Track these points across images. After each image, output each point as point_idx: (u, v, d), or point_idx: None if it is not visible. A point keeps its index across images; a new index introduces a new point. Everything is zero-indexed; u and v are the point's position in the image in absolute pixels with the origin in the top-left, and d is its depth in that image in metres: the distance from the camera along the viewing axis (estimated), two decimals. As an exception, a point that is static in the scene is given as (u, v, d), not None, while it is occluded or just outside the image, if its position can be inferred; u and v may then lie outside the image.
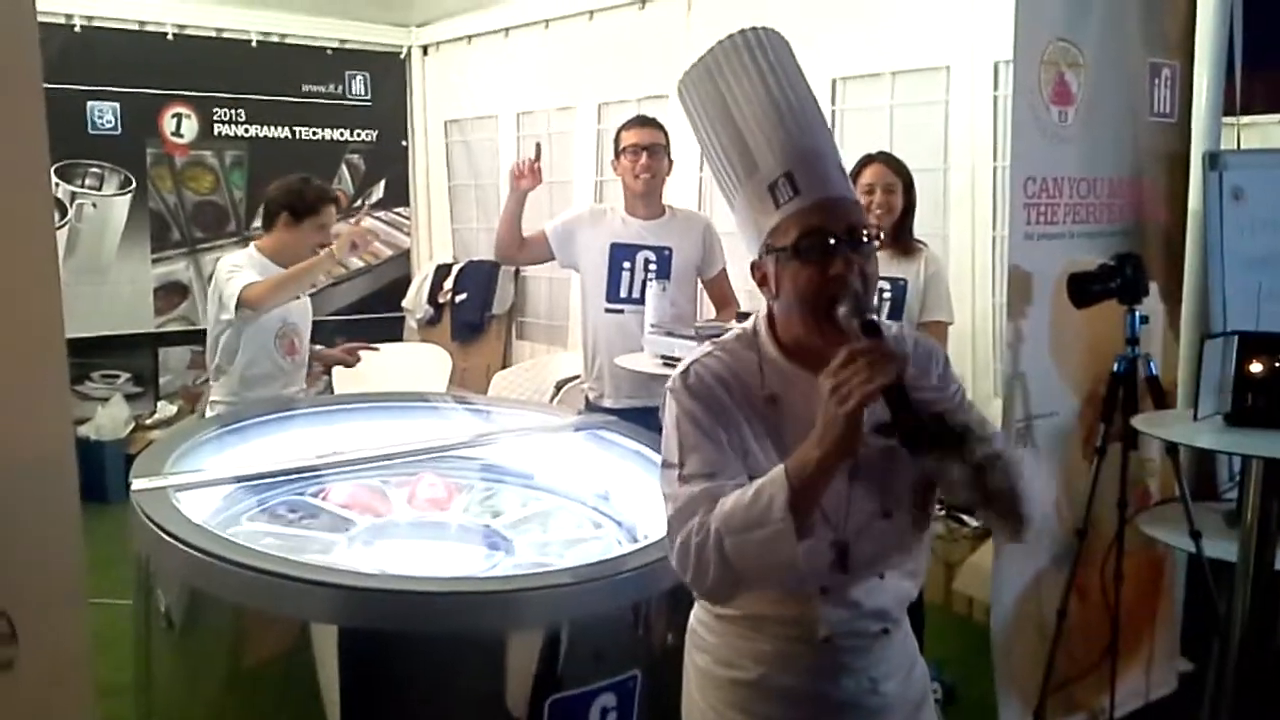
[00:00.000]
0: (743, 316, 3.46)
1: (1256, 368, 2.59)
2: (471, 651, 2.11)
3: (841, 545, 1.63)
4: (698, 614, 1.80)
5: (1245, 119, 3.69)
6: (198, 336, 6.07)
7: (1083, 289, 2.98)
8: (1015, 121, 3.04)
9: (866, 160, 3.41)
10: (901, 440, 1.46)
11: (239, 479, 2.59)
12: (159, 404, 6.18)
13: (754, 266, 1.67)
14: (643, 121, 3.81)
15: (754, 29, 1.66)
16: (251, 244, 3.67)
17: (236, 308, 3.31)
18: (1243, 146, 3.70)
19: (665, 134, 3.76)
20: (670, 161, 3.78)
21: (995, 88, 4.19)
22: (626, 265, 3.72)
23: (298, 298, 3.56)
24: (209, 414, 3.46)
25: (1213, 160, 3.43)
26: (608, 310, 3.73)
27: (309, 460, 2.74)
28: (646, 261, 3.72)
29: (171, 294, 6.17)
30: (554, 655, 2.13)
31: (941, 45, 4.32)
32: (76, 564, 1.53)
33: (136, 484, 2.37)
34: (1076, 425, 3.22)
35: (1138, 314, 2.98)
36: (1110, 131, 3.27)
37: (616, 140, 3.78)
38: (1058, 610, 3.03)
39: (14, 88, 1.28)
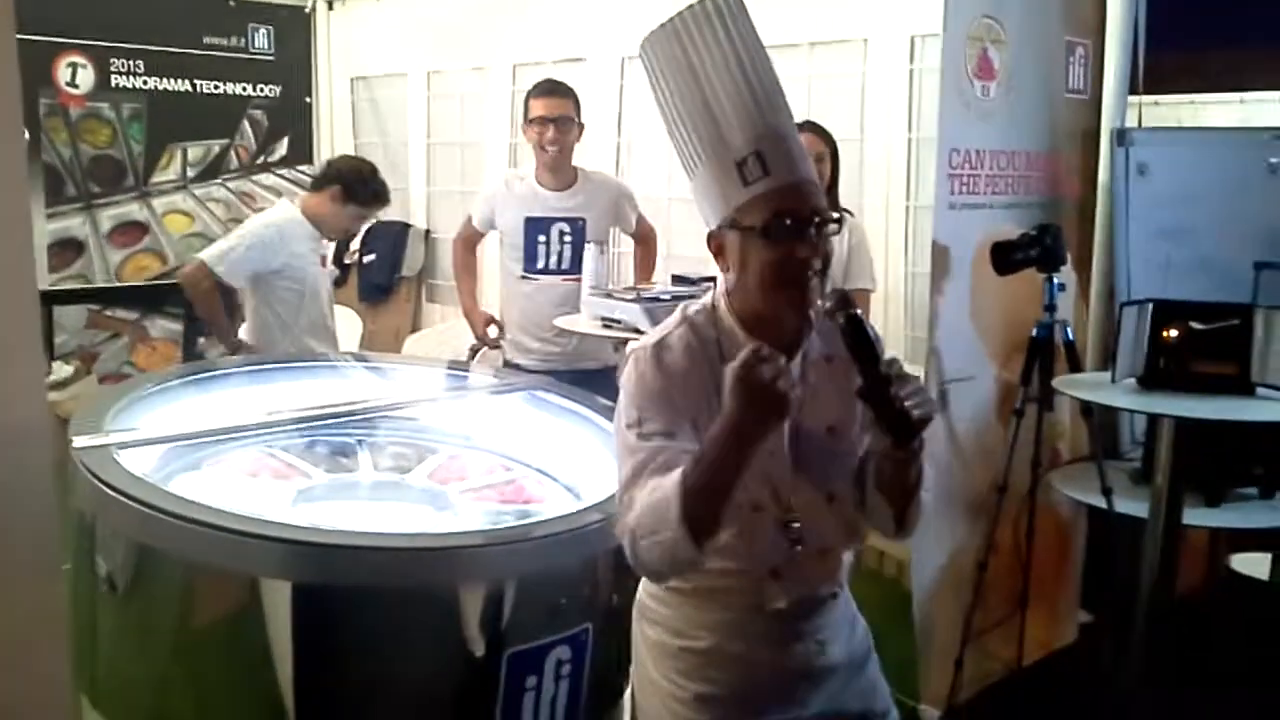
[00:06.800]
0: (679, 279, 3.51)
1: (1171, 333, 2.74)
2: (429, 606, 2.13)
3: (793, 527, 1.68)
4: (646, 587, 1.82)
5: (1149, 98, 3.86)
6: (94, 295, 5.92)
7: (1005, 257, 3.11)
8: (942, 94, 3.12)
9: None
10: (890, 432, 1.52)
11: (184, 436, 2.55)
12: (54, 364, 5.93)
13: (710, 236, 1.69)
14: (551, 89, 3.77)
15: None
16: (297, 200, 3.86)
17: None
18: (1145, 124, 3.88)
19: (575, 101, 3.76)
20: (581, 127, 3.78)
21: (911, 61, 4.28)
22: (542, 239, 3.75)
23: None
24: None
25: (1120, 137, 3.59)
26: (523, 278, 3.77)
27: (249, 419, 2.71)
28: (561, 233, 3.75)
29: (66, 250, 5.89)
30: (511, 609, 2.16)
31: (860, 18, 4.38)
32: (51, 528, 1.52)
33: (78, 441, 2.32)
34: (993, 388, 3.36)
35: (1056, 282, 3.12)
36: (1029, 107, 3.39)
37: (526, 106, 3.76)
38: (978, 563, 3.17)
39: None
